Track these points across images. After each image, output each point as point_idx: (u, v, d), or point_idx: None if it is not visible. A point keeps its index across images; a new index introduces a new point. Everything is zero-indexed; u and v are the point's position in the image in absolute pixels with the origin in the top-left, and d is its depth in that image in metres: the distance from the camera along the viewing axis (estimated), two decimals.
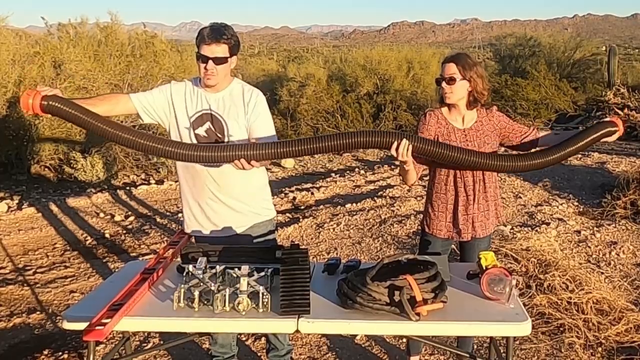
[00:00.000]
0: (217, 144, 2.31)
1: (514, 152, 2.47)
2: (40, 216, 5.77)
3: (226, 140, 2.36)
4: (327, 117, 11.80)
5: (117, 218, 5.73)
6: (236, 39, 2.33)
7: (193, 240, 2.55)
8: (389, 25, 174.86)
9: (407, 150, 2.14)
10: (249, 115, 2.37)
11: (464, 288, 2.02)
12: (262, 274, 1.95)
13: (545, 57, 13.74)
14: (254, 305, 1.84)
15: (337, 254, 4.66)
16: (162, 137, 2.27)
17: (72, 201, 6.27)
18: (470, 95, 2.41)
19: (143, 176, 7.84)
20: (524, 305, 2.22)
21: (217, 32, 2.27)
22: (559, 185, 6.54)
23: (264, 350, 2.95)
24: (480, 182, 2.45)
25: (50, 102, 2.06)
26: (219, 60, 2.28)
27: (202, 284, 1.88)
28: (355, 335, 3.20)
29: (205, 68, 2.28)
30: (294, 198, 6.35)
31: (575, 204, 5.83)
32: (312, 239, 5.04)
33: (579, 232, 4.96)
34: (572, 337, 3.12)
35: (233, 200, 2.43)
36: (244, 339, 3.23)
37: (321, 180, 7.31)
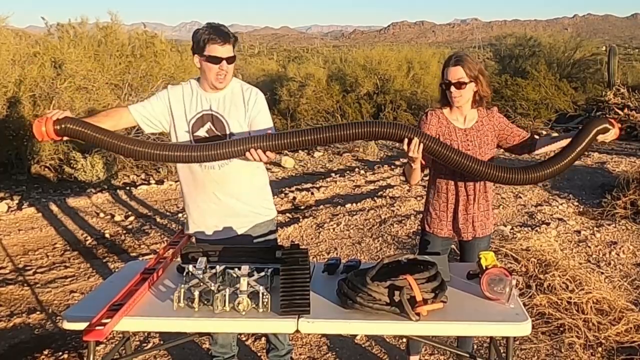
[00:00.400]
0: (231, 139, 2.27)
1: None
2: (40, 216, 5.77)
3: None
4: (327, 117, 11.81)
5: (117, 218, 5.73)
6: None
7: (193, 240, 2.55)
8: (389, 25, 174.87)
9: (418, 147, 2.14)
10: (249, 113, 2.37)
11: (464, 288, 2.02)
12: (262, 274, 1.95)
13: (545, 57, 13.74)
14: (254, 305, 1.84)
15: (337, 254, 4.66)
16: (179, 144, 2.26)
17: (72, 201, 6.27)
18: (476, 95, 2.42)
19: (143, 176, 7.84)
20: (524, 305, 2.22)
21: (224, 32, 2.27)
22: (559, 185, 6.54)
23: (264, 350, 2.95)
24: (480, 182, 2.45)
25: (64, 125, 2.06)
26: (231, 60, 2.29)
27: (202, 284, 1.88)
28: (355, 335, 3.20)
29: (220, 68, 2.27)
30: (294, 198, 6.36)
31: (575, 204, 5.83)
32: (312, 239, 5.04)
33: (579, 232, 4.96)
34: (572, 337, 3.12)
35: (234, 200, 2.43)
36: (244, 339, 3.23)
37: (321, 180, 7.31)
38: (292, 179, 7.81)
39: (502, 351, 2.08)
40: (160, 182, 7.33)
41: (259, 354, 3.11)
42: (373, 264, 1.91)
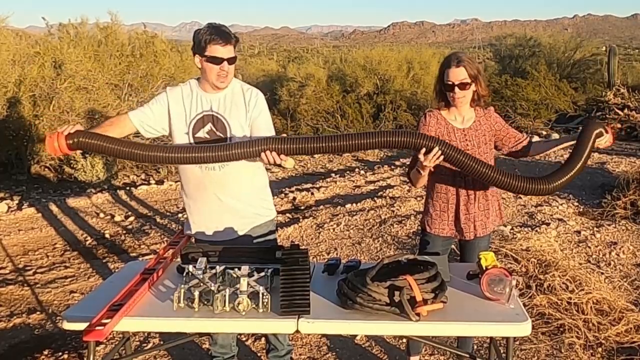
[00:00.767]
0: (249, 139, 2.28)
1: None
2: (40, 216, 5.77)
3: (228, 140, 2.36)
4: (327, 117, 11.80)
5: (117, 218, 5.73)
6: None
7: (193, 240, 2.55)
8: (389, 26, 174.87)
9: (438, 158, 2.14)
10: (250, 113, 2.37)
11: (464, 288, 2.02)
12: (262, 274, 1.95)
13: (545, 58, 13.73)
14: (254, 306, 1.84)
15: (337, 254, 4.66)
16: (191, 145, 2.27)
17: (72, 201, 6.27)
18: (474, 94, 2.43)
19: (143, 176, 7.84)
20: (524, 305, 2.22)
21: (225, 33, 2.27)
22: None
23: (264, 351, 2.95)
24: (480, 182, 2.45)
25: (76, 139, 2.08)
26: (232, 60, 2.29)
27: (202, 284, 1.88)
28: (355, 336, 3.20)
29: (221, 69, 2.27)
30: (294, 198, 6.36)
31: (575, 204, 5.83)
32: (312, 239, 5.04)
33: (579, 232, 4.96)
34: (572, 337, 3.12)
35: (234, 200, 2.42)
36: (244, 339, 3.23)
37: (321, 181, 7.31)
38: (292, 179, 7.82)
39: (502, 351, 2.08)
40: (160, 182, 7.33)
41: (258, 354, 3.11)
42: (373, 264, 1.90)
